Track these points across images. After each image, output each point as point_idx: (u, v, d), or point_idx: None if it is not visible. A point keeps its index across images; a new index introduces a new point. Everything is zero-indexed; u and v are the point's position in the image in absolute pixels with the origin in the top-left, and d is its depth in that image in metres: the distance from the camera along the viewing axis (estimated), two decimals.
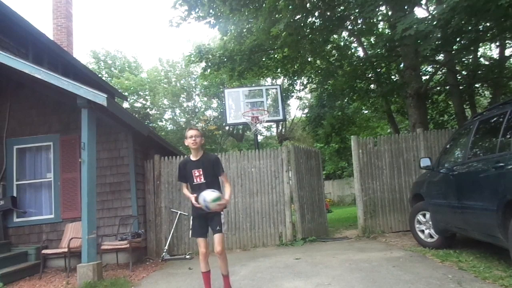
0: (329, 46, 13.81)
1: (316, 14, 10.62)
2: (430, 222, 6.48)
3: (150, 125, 29.68)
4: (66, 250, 7.06)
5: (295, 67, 15.30)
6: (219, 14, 10.97)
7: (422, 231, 6.72)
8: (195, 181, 4.47)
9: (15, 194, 8.20)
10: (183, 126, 32.02)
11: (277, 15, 9.73)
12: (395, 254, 6.37)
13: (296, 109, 35.85)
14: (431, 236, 6.55)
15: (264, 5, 9.61)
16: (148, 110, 32.05)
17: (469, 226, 5.25)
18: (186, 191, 4.61)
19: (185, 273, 6.50)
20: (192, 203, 4.39)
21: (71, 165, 8.20)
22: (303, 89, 19.15)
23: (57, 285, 6.33)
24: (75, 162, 8.11)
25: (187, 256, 8.10)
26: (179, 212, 8.66)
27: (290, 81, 18.12)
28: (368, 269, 5.45)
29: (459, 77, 13.35)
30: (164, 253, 8.19)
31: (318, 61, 15.36)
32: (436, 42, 8.34)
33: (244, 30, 12.74)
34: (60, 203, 8.16)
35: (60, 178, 8.23)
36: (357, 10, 9.73)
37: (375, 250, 7.03)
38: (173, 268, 7.10)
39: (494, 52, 17.38)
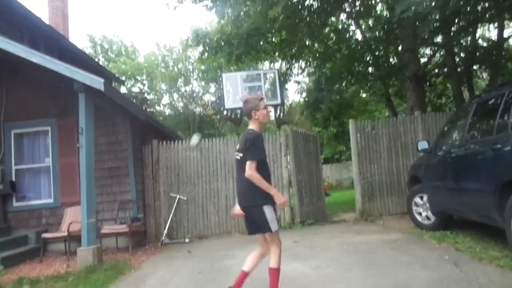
0: (327, 29, 13.70)
1: None
2: (427, 205, 6.52)
3: (148, 110, 29.58)
4: (65, 234, 7.09)
5: (293, 51, 15.18)
6: None
7: (420, 214, 6.75)
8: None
9: (13, 179, 8.21)
10: (181, 111, 31.89)
11: None
12: (393, 236, 6.43)
13: (294, 93, 35.79)
14: (428, 218, 6.59)
15: None
16: (145, 95, 31.89)
17: (466, 208, 5.29)
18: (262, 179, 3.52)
19: (184, 256, 6.55)
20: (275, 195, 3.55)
21: (69, 150, 8.18)
22: (301, 73, 19.14)
23: (57, 269, 6.37)
24: (73, 147, 8.07)
25: (186, 240, 8.15)
26: (178, 196, 8.69)
27: (288, 65, 18.04)
28: (365, 252, 5.50)
29: (457, 59, 13.29)
30: (163, 237, 8.23)
31: (316, 45, 15.24)
32: (435, 24, 8.29)
33: (242, 13, 12.60)
34: (59, 187, 8.19)
35: (59, 163, 8.24)
36: None
37: (373, 232, 7.08)
38: (172, 252, 7.16)
39: (493, 34, 17.28)
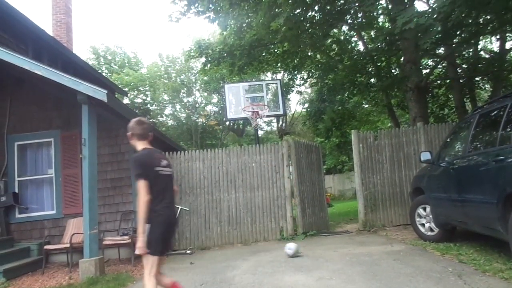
0: (329, 40, 13.81)
1: (316, 8, 10.59)
2: (431, 216, 6.49)
3: (151, 120, 29.66)
4: (68, 245, 7.09)
5: (295, 61, 15.30)
6: (218, 8, 10.94)
7: (423, 225, 6.73)
8: None
9: (16, 190, 8.23)
10: (184, 121, 31.99)
11: (276, 9, 9.71)
12: (396, 248, 6.39)
13: (296, 104, 35.86)
14: (431, 230, 6.56)
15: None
16: (148, 105, 32.00)
17: (469, 219, 5.26)
18: None
19: (186, 268, 6.52)
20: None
21: (72, 161, 8.22)
22: (303, 84, 19.19)
23: (59, 280, 6.36)
24: (76, 158, 8.13)
25: (188, 251, 8.12)
26: (180, 207, 8.67)
27: (290, 76, 18.13)
28: (368, 263, 5.48)
29: (459, 71, 13.34)
30: None
31: (318, 56, 15.35)
32: (436, 36, 8.32)
33: (244, 25, 12.71)
34: (62, 199, 8.19)
35: (61, 174, 8.26)
36: (357, 4, 9.72)
37: (376, 243, 7.05)
38: (174, 263, 7.12)
39: (495, 45, 17.36)
